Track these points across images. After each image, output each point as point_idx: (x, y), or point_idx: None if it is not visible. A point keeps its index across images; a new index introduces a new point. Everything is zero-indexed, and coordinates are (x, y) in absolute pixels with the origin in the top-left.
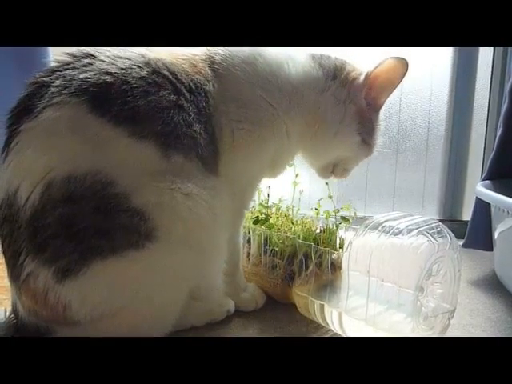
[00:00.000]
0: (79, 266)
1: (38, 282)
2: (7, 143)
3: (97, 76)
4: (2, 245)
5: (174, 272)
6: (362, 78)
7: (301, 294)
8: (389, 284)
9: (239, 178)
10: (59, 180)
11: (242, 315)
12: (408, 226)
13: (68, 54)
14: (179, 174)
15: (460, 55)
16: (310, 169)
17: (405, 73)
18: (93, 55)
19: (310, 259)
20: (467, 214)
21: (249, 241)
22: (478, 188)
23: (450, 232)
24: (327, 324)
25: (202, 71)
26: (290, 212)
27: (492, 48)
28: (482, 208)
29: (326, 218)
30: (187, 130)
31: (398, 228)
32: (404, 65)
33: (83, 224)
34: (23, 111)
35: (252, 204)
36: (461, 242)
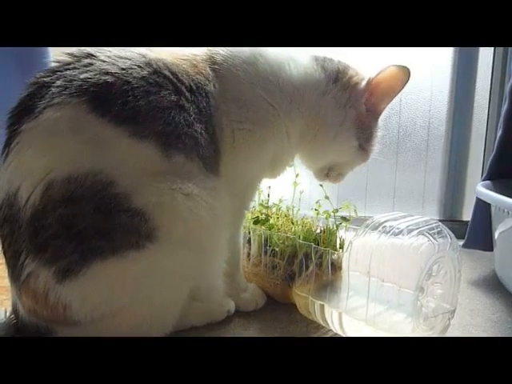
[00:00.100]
0: (79, 266)
1: (38, 283)
2: (8, 143)
3: (97, 76)
4: (3, 245)
5: (174, 272)
6: (363, 83)
7: (301, 295)
8: (389, 284)
9: (240, 178)
10: (60, 180)
11: (242, 315)
12: (408, 226)
13: (68, 54)
14: (180, 174)
15: (460, 56)
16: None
17: (406, 81)
18: (93, 55)
19: (310, 259)
20: (467, 215)
21: (249, 241)
22: (478, 188)
23: (451, 232)
24: (327, 324)
25: (203, 71)
26: (290, 212)
27: (492, 48)
28: (482, 208)
29: (326, 218)
30: (188, 130)
31: (398, 228)
32: (406, 73)
33: (84, 224)
34: (24, 111)
35: (252, 204)
36: (461, 243)
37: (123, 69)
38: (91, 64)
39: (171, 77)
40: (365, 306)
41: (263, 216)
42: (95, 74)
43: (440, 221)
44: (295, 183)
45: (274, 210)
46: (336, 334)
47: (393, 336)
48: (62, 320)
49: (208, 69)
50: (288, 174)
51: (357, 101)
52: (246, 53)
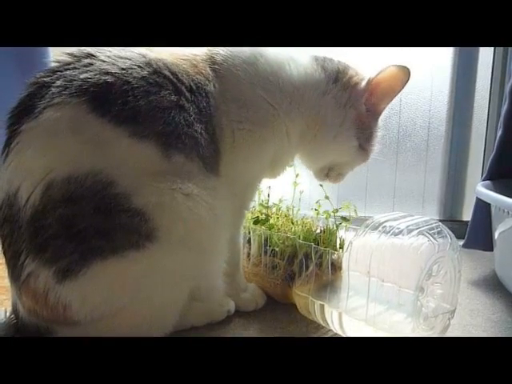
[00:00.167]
0: (79, 266)
1: (38, 283)
2: (8, 143)
3: (97, 76)
4: (3, 245)
5: (174, 272)
6: (363, 83)
7: (301, 295)
8: (389, 284)
9: (240, 178)
10: (60, 180)
11: (242, 315)
12: (408, 226)
13: (68, 54)
14: (180, 174)
15: (460, 56)
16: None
17: (406, 81)
18: (93, 55)
19: (310, 259)
20: (467, 215)
21: (249, 241)
22: (478, 188)
23: (451, 232)
24: (327, 324)
25: (203, 71)
26: (291, 212)
27: (492, 48)
28: (482, 208)
29: (326, 218)
30: (188, 130)
31: (398, 228)
32: (406, 73)
33: (83, 224)
34: (24, 111)
35: (252, 204)
36: (461, 243)
37: (123, 69)
38: (91, 64)
39: (171, 77)
40: (365, 306)
41: (263, 216)
42: (95, 74)
43: (440, 221)
44: (295, 183)
45: (274, 209)
46: (336, 334)
47: (393, 336)
48: (62, 320)
49: (208, 69)
50: (288, 174)
51: (357, 101)
52: (246, 53)
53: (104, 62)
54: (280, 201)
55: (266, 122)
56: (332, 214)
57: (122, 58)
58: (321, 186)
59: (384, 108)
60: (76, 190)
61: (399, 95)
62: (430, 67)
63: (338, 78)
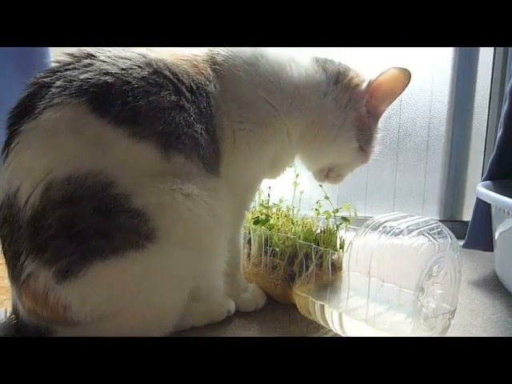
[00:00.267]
0: (79, 266)
1: (38, 283)
2: (7, 143)
3: (97, 76)
4: (3, 245)
5: (174, 272)
6: (364, 85)
7: (301, 295)
8: (389, 284)
9: (240, 178)
10: (59, 181)
11: (242, 315)
12: (408, 226)
13: (68, 54)
14: (180, 174)
15: (460, 56)
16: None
17: (407, 83)
18: (93, 55)
19: (310, 260)
20: (468, 215)
21: (249, 241)
22: (479, 188)
23: (451, 232)
24: (327, 324)
25: (204, 72)
26: (291, 212)
27: (492, 48)
28: (483, 208)
29: (326, 218)
30: (188, 130)
31: (398, 228)
32: (407, 75)
33: (83, 225)
34: (24, 111)
35: (252, 204)
36: (461, 243)
37: (123, 69)
38: (91, 64)
39: (171, 77)
40: (365, 307)
41: (263, 216)
42: (95, 75)
43: (440, 221)
44: (295, 183)
45: (274, 210)
46: (336, 334)
47: (393, 336)
48: (62, 320)
49: (209, 69)
50: (288, 174)
51: (357, 102)
52: (247, 53)
53: (104, 62)
54: (280, 201)
55: (267, 122)
56: (332, 214)
57: (122, 58)
58: (320, 186)
59: (384, 110)
60: (76, 190)
61: (400, 96)
62: (430, 67)
63: (339, 80)
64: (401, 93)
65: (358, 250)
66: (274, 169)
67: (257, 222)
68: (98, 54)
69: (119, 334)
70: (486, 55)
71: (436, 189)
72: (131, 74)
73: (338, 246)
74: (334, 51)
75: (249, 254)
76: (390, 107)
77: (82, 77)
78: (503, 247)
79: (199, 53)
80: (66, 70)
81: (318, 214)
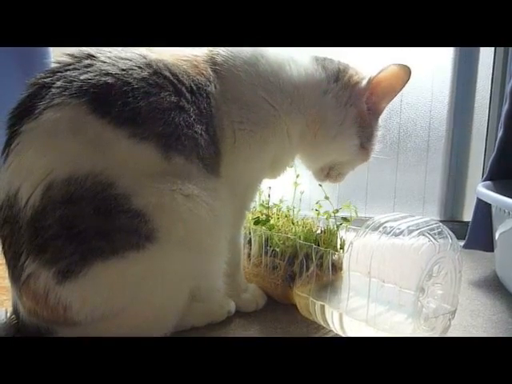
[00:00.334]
0: (80, 267)
1: (38, 283)
2: (8, 144)
3: (97, 77)
4: (3, 246)
5: (174, 273)
6: (364, 82)
7: (301, 295)
8: (389, 285)
9: (240, 178)
10: (60, 181)
11: (242, 316)
12: (409, 226)
13: (69, 54)
14: (180, 175)
15: (461, 56)
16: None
17: (407, 80)
18: (94, 56)
19: (310, 260)
20: (468, 215)
21: (249, 241)
22: (479, 189)
23: (451, 233)
24: (328, 325)
25: (204, 72)
26: (291, 213)
27: (493, 48)
28: (483, 209)
29: (326, 218)
30: (188, 131)
31: (398, 229)
32: (407, 72)
33: (84, 225)
34: (24, 112)
35: (253, 205)
36: (462, 243)
37: (123, 70)
38: (91, 65)
39: (171, 78)
40: (365, 307)
41: (264, 216)
42: (95, 75)
43: (441, 221)
44: (296, 184)
45: (274, 210)
46: (336, 334)
47: (393, 336)
48: (63, 321)
49: (209, 69)
50: (288, 174)
51: (358, 99)
52: (246, 53)
53: (104, 62)
54: (280, 201)
55: (267, 122)
56: (332, 214)
57: (122, 58)
58: (320, 185)
59: (385, 107)
60: (76, 190)
61: (400, 95)
62: (430, 67)
63: (339, 77)
64: (401, 89)
65: (359, 251)
66: (275, 169)
67: (257, 222)
68: (98, 55)
69: (119, 334)
70: (486, 55)
71: (436, 189)
72: (131, 74)
73: (339, 247)
74: (334, 51)
75: (249, 255)
76: (390, 107)
77: (82, 77)
78: (504, 247)
79: (199, 53)
80: (67, 70)
81: (318, 214)
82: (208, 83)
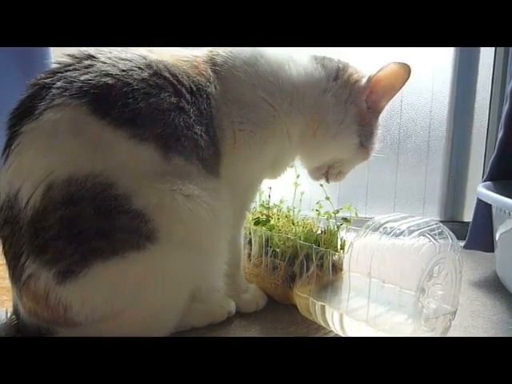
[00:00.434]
0: (80, 267)
1: (38, 284)
2: (8, 144)
3: (98, 78)
4: (3, 246)
5: (174, 273)
6: (364, 80)
7: (302, 295)
8: (390, 285)
9: (240, 179)
10: (60, 182)
11: (242, 316)
12: (409, 227)
13: (69, 55)
14: (180, 175)
15: (461, 56)
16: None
17: (407, 78)
18: (94, 57)
19: (311, 260)
20: (468, 215)
21: (250, 242)
22: (479, 189)
23: (451, 233)
24: (328, 325)
25: (204, 73)
26: (291, 213)
27: (493, 48)
28: (483, 209)
29: (326, 219)
30: (188, 132)
31: (399, 229)
32: (406, 70)
33: (84, 226)
34: (24, 112)
35: (253, 205)
36: (462, 244)
37: (124, 70)
38: (92, 65)
39: (171, 78)
40: (366, 307)
41: (264, 217)
42: (96, 76)
43: (441, 222)
44: (296, 184)
45: (274, 210)
46: (337, 334)
47: (394, 336)
48: (63, 321)
49: (209, 70)
50: (289, 174)
51: (357, 98)
52: (246, 54)
53: (104, 63)
54: (281, 201)
55: (267, 122)
56: (333, 214)
57: (122, 59)
58: (321, 185)
59: (385, 105)
60: (76, 191)
61: (400, 96)
62: (430, 68)
63: (339, 76)
64: (401, 88)
65: (359, 251)
66: (275, 169)
67: (257, 222)
68: (98, 56)
69: (120, 335)
70: (486, 55)
71: (437, 189)
72: (131, 75)
73: (339, 247)
74: (333, 50)
75: (249, 255)
76: (390, 107)
77: (82, 78)
78: (504, 248)
79: (199, 54)
80: (67, 71)
81: (318, 214)
82: (208, 84)
